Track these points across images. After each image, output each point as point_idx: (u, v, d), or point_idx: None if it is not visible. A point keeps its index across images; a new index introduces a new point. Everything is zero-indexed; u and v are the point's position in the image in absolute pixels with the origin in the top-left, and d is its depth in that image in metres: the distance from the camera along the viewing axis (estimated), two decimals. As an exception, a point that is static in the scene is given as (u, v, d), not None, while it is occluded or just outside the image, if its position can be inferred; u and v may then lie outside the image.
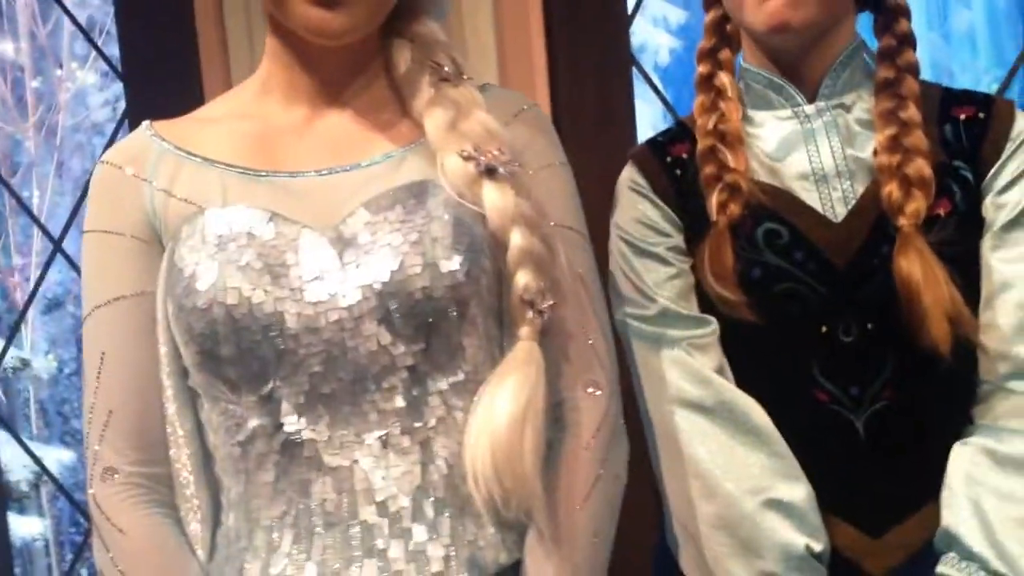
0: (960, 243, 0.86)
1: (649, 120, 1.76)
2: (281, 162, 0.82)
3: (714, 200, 0.90)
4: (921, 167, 0.86)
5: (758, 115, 0.94)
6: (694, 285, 0.92)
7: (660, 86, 1.61)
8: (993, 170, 0.88)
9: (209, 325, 0.75)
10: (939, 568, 0.84)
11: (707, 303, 0.91)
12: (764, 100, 0.94)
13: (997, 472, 0.83)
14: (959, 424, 0.89)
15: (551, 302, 0.78)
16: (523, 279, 0.77)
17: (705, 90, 0.95)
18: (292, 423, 0.76)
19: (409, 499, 0.77)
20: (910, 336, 0.84)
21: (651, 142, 0.99)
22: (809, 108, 0.92)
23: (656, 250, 0.93)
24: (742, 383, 0.90)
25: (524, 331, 0.77)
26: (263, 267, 0.75)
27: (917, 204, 0.85)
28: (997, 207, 0.88)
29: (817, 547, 0.86)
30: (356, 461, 0.76)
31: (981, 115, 0.90)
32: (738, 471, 0.87)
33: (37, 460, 2.21)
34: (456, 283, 0.76)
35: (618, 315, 0.94)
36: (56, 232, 1.74)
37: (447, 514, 0.77)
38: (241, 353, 0.75)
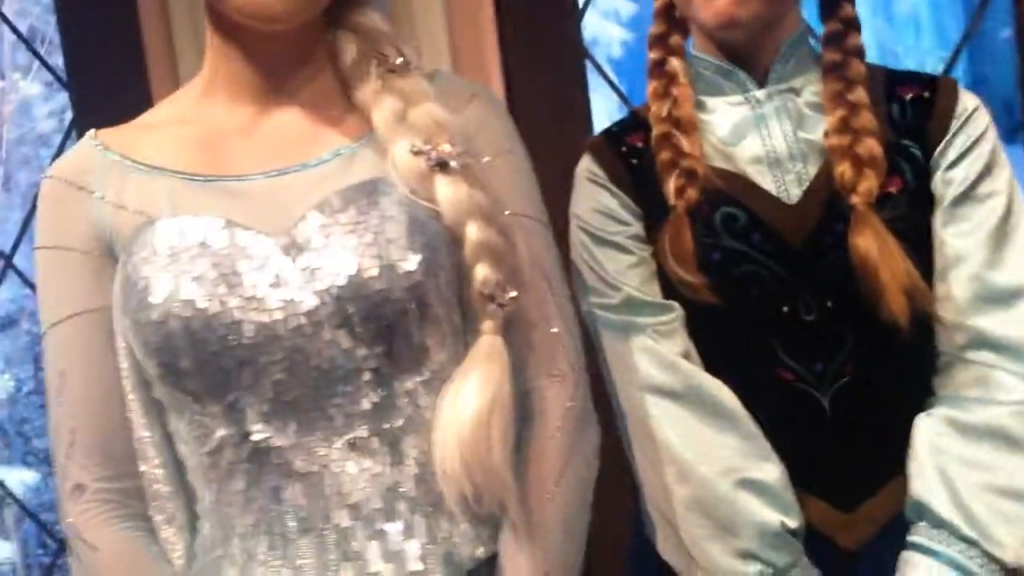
0: (912, 218, 0.88)
1: (605, 112, 1.77)
2: (228, 165, 0.80)
3: (671, 185, 0.90)
4: (872, 147, 0.88)
5: (710, 101, 0.95)
6: (656, 272, 0.93)
7: (614, 78, 1.62)
8: (940, 147, 0.90)
9: (166, 339, 0.73)
10: (911, 537, 0.86)
11: (669, 289, 0.92)
12: (715, 86, 0.94)
13: (961, 440, 0.85)
14: (921, 395, 0.91)
15: (512, 294, 0.77)
16: (482, 272, 0.76)
17: (657, 76, 0.96)
18: (259, 431, 0.75)
19: (381, 500, 0.76)
20: (869, 311, 0.86)
21: (606, 132, 0.99)
22: (759, 93, 0.93)
23: (616, 239, 0.93)
24: (708, 367, 0.91)
25: (486, 325, 0.76)
26: (218, 276, 0.74)
27: (869, 183, 0.87)
28: (946, 183, 0.90)
29: (792, 524, 0.87)
30: (326, 466, 0.75)
31: (926, 94, 0.91)
32: (710, 454, 0.88)
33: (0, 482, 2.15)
34: (414, 283, 0.74)
35: (584, 305, 0.95)
36: (6, 248, 1.70)
37: (420, 512, 0.77)
38: (201, 365, 0.74)
